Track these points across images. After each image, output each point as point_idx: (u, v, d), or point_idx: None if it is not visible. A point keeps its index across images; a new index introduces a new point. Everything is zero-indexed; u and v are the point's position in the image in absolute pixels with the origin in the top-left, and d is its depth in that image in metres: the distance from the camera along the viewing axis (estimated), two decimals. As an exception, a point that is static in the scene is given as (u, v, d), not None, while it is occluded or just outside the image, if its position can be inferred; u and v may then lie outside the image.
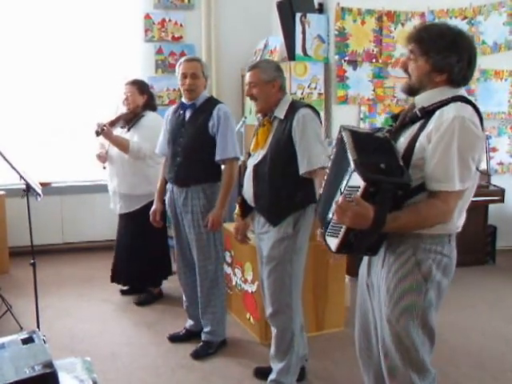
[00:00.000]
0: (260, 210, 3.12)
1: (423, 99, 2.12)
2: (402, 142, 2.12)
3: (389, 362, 2.23)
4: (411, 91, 2.18)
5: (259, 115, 3.18)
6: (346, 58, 5.48)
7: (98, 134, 4.21)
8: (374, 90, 5.56)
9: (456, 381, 3.36)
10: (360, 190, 1.90)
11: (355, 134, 2.12)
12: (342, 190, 2.01)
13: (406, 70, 2.18)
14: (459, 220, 2.16)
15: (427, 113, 2.06)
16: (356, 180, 1.92)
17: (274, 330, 3.18)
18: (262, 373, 3.38)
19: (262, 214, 3.12)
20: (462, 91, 2.12)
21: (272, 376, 3.20)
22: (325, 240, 2.16)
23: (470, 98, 2.09)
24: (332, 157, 2.27)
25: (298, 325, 3.17)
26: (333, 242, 2.08)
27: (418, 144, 2.04)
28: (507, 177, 5.92)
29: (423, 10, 5.50)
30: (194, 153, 3.53)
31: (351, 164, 1.96)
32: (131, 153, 4.26)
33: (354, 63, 5.51)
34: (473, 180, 2.09)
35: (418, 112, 2.09)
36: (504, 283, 5.08)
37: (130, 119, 4.40)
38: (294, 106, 3.03)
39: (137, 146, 4.26)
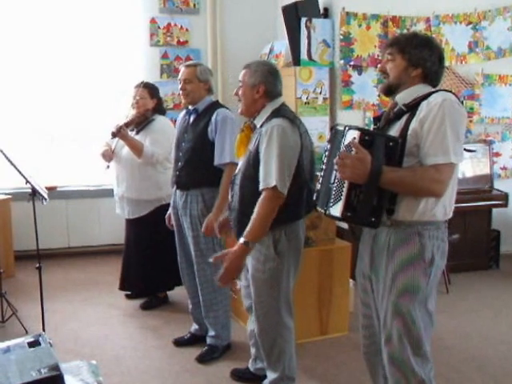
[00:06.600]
0: (232, 222, 2.98)
1: (404, 96, 2.32)
2: (393, 134, 2.26)
3: (390, 348, 2.33)
4: (389, 91, 2.39)
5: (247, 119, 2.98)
6: (351, 63, 5.48)
7: (114, 135, 4.19)
8: (378, 96, 5.55)
9: (460, 386, 3.37)
10: (356, 138, 2.15)
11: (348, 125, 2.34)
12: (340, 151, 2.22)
13: (384, 72, 2.40)
14: (449, 207, 2.33)
15: (411, 107, 2.25)
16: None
17: (260, 346, 3.08)
18: (237, 374, 3.45)
19: (233, 228, 2.98)
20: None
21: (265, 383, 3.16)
22: (330, 215, 2.25)
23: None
24: (325, 156, 2.47)
25: (289, 341, 3.02)
26: (337, 209, 2.20)
27: (410, 131, 2.21)
28: (511, 181, 5.90)
29: (428, 15, 5.50)
30: (195, 158, 3.52)
31: (344, 128, 2.25)
32: (144, 157, 4.21)
33: (359, 68, 5.51)
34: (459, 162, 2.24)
35: (403, 107, 2.28)
36: (508, 288, 5.06)
37: (141, 122, 4.37)
38: (272, 116, 2.81)
39: (151, 150, 4.21)
